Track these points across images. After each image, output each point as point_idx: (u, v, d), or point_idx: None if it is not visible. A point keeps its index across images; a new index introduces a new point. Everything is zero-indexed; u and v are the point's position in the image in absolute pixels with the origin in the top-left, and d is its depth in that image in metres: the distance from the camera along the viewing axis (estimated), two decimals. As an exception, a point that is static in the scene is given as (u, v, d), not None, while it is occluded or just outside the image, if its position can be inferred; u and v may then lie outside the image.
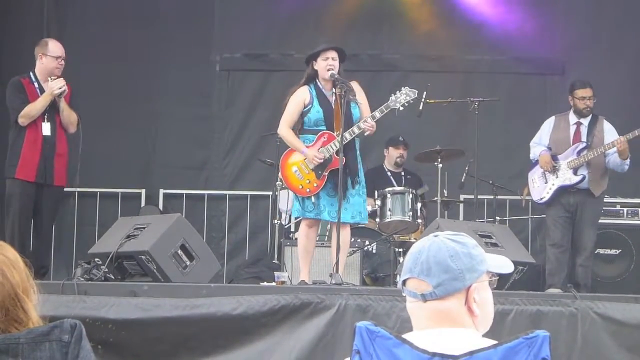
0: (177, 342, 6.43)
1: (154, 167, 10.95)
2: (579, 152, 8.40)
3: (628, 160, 8.33)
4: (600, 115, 8.55)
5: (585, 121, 8.51)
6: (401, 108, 7.42)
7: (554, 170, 8.42)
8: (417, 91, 7.51)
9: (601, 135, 8.44)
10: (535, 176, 8.59)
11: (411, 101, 7.47)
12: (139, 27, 10.83)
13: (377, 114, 7.31)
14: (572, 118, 8.56)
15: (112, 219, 8.85)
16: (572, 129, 8.54)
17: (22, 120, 7.84)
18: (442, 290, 2.44)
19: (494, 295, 2.54)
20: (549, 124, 8.67)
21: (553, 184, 8.42)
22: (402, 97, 7.41)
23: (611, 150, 8.34)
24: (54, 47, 8.05)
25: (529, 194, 8.80)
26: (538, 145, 8.63)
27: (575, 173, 8.38)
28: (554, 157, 8.48)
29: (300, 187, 7.36)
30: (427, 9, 11.03)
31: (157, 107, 10.93)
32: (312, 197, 7.31)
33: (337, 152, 7.22)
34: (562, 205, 8.40)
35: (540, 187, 8.52)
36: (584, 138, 8.47)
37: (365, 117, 7.32)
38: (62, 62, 8.01)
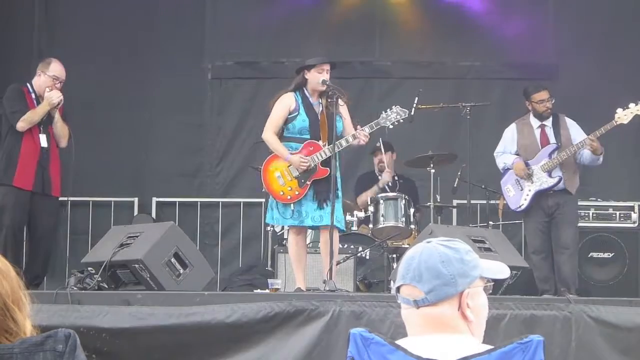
0: (171, 351, 6.42)
1: (146, 175, 10.95)
2: (550, 154, 8.39)
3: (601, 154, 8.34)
4: (559, 113, 8.56)
5: (548, 122, 8.52)
6: (391, 126, 7.54)
7: (529, 176, 8.41)
8: (407, 111, 7.64)
9: (567, 133, 8.45)
10: (509, 185, 8.56)
11: (401, 120, 7.59)
12: (131, 35, 10.84)
13: (367, 130, 7.39)
14: (534, 122, 8.56)
15: (105, 227, 8.84)
16: (537, 132, 8.53)
17: (23, 124, 7.88)
18: (434, 296, 2.44)
19: (488, 300, 2.54)
20: (511, 131, 8.66)
21: (530, 190, 8.41)
22: (393, 115, 7.52)
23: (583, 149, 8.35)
24: (54, 68, 8.14)
25: (505, 204, 8.78)
26: (504, 154, 8.63)
27: (550, 175, 8.37)
28: (526, 164, 8.46)
29: (281, 193, 7.37)
30: (419, 16, 11.05)
31: (149, 115, 10.93)
32: (292, 205, 7.32)
33: (322, 163, 7.27)
34: (541, 209, 8.37)
35: (517, 195, 8.49)
36: (552, 140, 8.47)
37: (348, 131, 7.39)
38: (59, 85, 8.09)
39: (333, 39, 10.33)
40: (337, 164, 7.39)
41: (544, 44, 10.97)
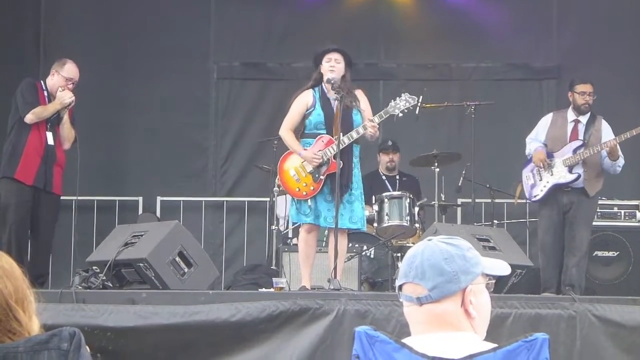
0: (175, 350, 6.43)
1: (151, 175, 10.96)
2: (575, 150, 8.33)
3: (619, 160, 8.26)
4: (598, 115, 8.51)
5: (584, 119, 8.44)
6: (400, 114, 7.48)
7: (549, 167, 8.35)
8: (416, 97, 7.58)
9: (598, 134, 8.36)
10: (529, 173, 8.49)
11: (411, 108, 7.52)
12: (136, 36, 10.88)
13: (376, 119, 7.34)
14: (571, 115, 8.49)
15: (109, 227, 8.84)
16: (570, 126, 8.46)
17: (31, 117, 7.91)
18: (437, 293, 2.44)
19: (492, 298, 2.54)
20: (546, 120, 8.60)
21: (547, 182, 8.34)
22: (402, 103, 7.46)
23: (605, 152, 8.31)
24: (69, 69, 8.17)
25: (522, 191, 8.72)
26: (534, 141, 8.54)
27: (570, 171, 8.31)
28: (550, 155, 8.41)
29: (297, 189, 7.34)
30: (423, 18, 11.06)
31: (154, 114, 10.94)
32: (309, 201, 7.30)
33: (334, 156, 7.22)
34: (556, 204, 8.30)
35: (535, 184, 8.43)
36: (581, 136, 8.39)
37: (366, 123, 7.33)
38: (71, 86, 8.12)
39: (338, 41, 10.24)
40: (355, 161, 7.37)
41: (548, 44, 10.99)
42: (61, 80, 8.09)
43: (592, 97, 8.41)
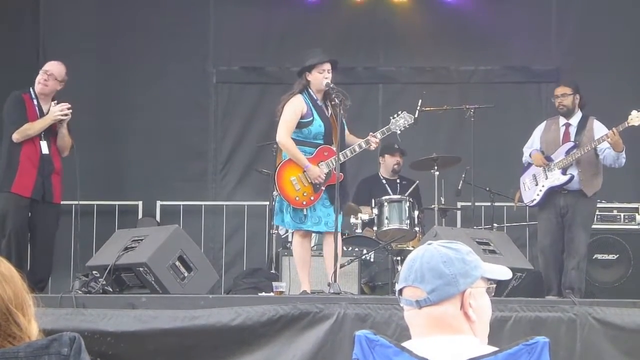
0: (176, 354, 6.43)
1: (150, 179, 10.96)
2: (567, 152, 8.34)
3: (624, 152, 8.24)
4: (590, 116, 8.51)
5: (574, 121, 8.46)
6: (399, 132, 7.65)
7: (548, 168, 8.37)
8: (412, 116, 7.76)
9: (591, 134, 8.36)
10: (526, 179, 8.54)
11: (407, 126, 7.68)
12: (136, 40, 10.87)
13: (379, 135, 7.46)
14: (562, 119, 8.53)
15: (109, 231, 8.84)
16: (562, 130, 8.48)
17: (17, 137, 7.81)
18: (436, 295, 2.44)
19: (492, 302, 2.54)
20: (540, 127, 8.65)
21: (543, 186, 8.37)
22: (402, 121, 7.64)
23: (604, 146, 8.25)
24: (49, 63, 8.09)
25: (520, 198, 8.75)
26: (530, 149, 8.61)
27: (563, 173, 8.32)
28: (549, 159, 8.42)
29: (296, 198, 7.31)
30: (422, 22, 11.06)
31: (153, 119, 10.94)
32: (304, 210, 7.30)
33: (335, 168, 7.25)
34: (553, 207, 8.31)
35: (531, 189, 8.46)
36: (572, 138, 8.43)
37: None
38: (46, 77, 7.95)
39: (337, 45, 10.32)
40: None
41: (547, 47, 11.00)
42: (39, 73, 7.99)
43: (567, 98, 8.40)
